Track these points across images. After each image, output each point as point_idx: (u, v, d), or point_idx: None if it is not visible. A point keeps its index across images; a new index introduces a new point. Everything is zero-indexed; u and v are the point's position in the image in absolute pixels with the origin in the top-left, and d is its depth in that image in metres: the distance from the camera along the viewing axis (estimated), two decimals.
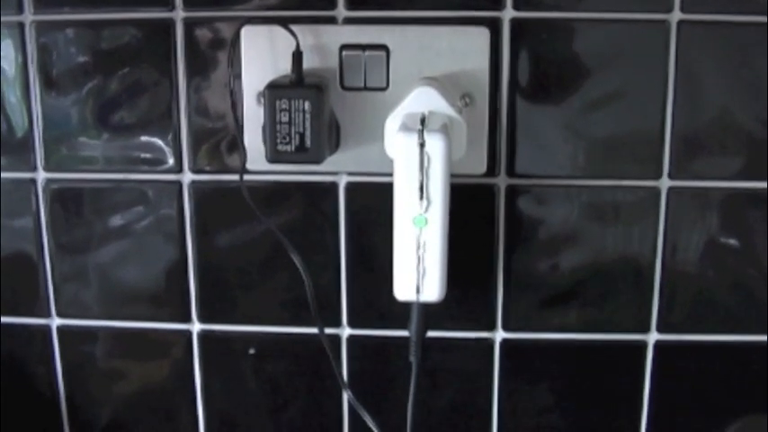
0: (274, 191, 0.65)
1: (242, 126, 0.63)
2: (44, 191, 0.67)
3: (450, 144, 0.55)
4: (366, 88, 0.62)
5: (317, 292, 0.62)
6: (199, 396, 0.70)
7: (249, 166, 0.63)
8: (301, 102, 0.57)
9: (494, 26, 0.61)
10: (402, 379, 0.63)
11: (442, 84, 0.60)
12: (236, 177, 0.63)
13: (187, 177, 0.66)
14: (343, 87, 0.62)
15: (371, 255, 0.66)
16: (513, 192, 0.64)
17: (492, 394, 0.68)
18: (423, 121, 0.55)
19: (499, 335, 0.67)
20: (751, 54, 0.61)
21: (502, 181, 0.64)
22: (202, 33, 0.63)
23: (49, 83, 0.65)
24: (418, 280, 0.57)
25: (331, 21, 0.62)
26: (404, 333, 0.61)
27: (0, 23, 0.63)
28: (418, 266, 0.56)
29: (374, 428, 0.64)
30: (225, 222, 0.66)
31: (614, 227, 0.64)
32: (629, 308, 0.66)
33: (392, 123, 0.58)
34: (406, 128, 0.55)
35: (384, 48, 0.61)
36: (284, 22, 0.60)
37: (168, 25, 0.63)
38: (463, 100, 0.62)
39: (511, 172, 0.64)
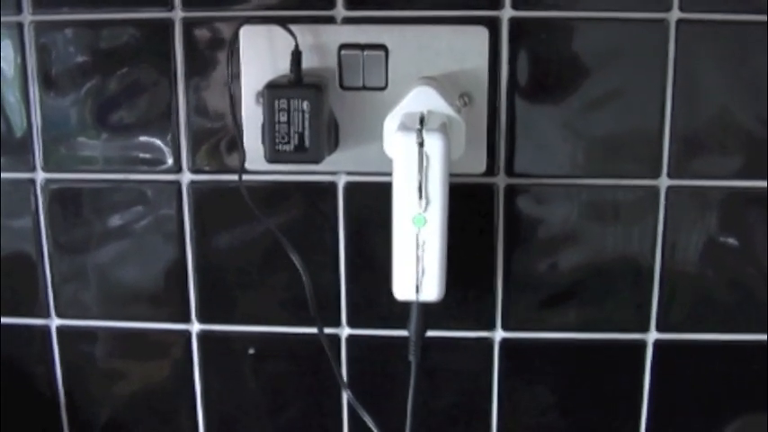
0: (273, 191, 0.65)
1: (241, 126, 0.63)
2: (43, 191, 0.67)
3: (449, 143, 0.55)
4: (365, 88, 0.62)
5: (316, 291, 0.62)
6: (198, 396, 0.70)
7: (248, 165, 0.63)
8: (300, 101, 0.57)
9: (492, 26, 0.61)
10: (401, 379, 0.63)
11: (441, 83, 0.60)
12: (235, 177, 0.63)
13: (186, 177, 0.66)
14: (342, 87, 0.62)
15: (371, 254, 0.66)
16: (512, 191, 0.64)
17: (491, 394, 0.68)
18: (422, 121, 0.55)
19: (498, 334, 0.67)
20: (750, 53, 0.61)
21: (501, 180, 0.64)
22: (201, 33, 0.63)
23: (48, 83, 0.65)
24: (417, 279, 0.57)
25: (330, 20, 0.62)
26: (403, 333, 0.61)
27: None
28: (417, 266, 0.56)
29: (374, 428, 0.64)
30: (224, 222, 0.66)
31: (613, 226, 0.64)
32: (629, 307, 0.66)
33: (391, 123, 0.58)
34: (404, 127, 0.55)
35: (383, 47, 0.61)
36: (283, 22, 0.60)
37: (167, 25, 0.63)
38: (462, 99, 0.62)
39: (510, 171, 0.64)
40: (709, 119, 0.62)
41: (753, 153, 0.62)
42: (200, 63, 0.63)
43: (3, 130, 0.66)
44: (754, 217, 0.64)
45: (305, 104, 0.57)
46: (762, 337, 0.66)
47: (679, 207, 0.64)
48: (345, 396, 0.69)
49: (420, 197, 0.55)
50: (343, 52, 0.61)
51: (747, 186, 0.63)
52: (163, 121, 0.65)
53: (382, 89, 0.62)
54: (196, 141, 0.65)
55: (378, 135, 0.59)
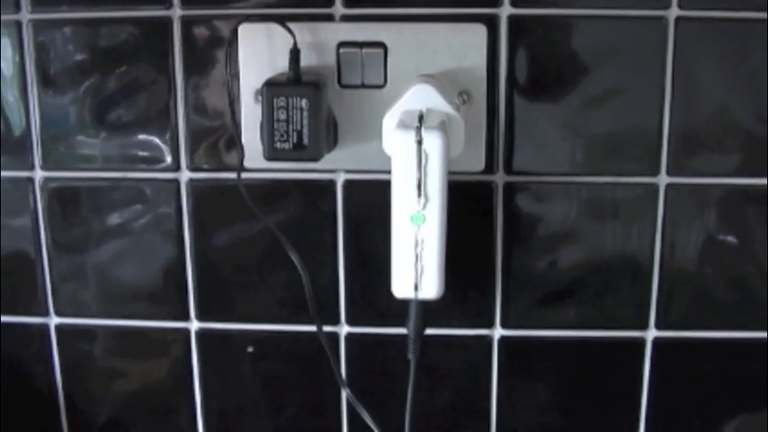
0: (272, 189, 0.65)
1: (239, 124, 0.63)
2: (42, 189, 0.67)
3: (448, 141, 0.55)
4: (364, 86, 0.62)
5: (315, 289, 0.62)
6: (197, 394, 0.70)
7: (247, 163, 0.63)
8: (299, 99, 0.57)
9: (491, 23, 0.61)
10: (401, 376, 0.63)
11: (440, 81, 0.60)
12: (233, 175, 0.63)
13: (185, 176, 0.66)
14: (341, 85, 0.62)
15: (370, 252, 0.66)
16: (510, 189, 0.64)
17: (491, 391, 0.68)
18: (420, 119, 0.55)
19: (498, 332, 0.67)
20: (749, 50, 0.61)
21: (500, 178, 0.64)
22: (200, 31, 0.63)
23: (46, 82, 0.65)
24: (416, 277, 0.57)
25: (328, 18, 0.62)
26: (402, 330, 0.61)
27: None
28: (416, 264, 0.56)
29: (373, 426, 0.64)
30: (223, 220, 0.66)
31: (612, 224, 0.64)
32: (628, 305, 0.66)
33: (390, 121, 0.58)
34: (403, 125, 0.55)
35: (382, 45, 0.61)
36: (282, 20, 0.60)
37: (166, 23, 0.63)
38: (461, 97, 0.62)
39: (509, 169, 0.64)
40: (709, 116, 0.62)
41: (752, 150, 0.62)
42: (198, 61, 0.63)
43: (1, 128, 0.66)
44: (754, 214, 0.64)
45: (303, 102, 0.57)
46: (761, 334, 0.66)
47: (678, 205, 0.64)
48: (344, 394, 0.69)
49: (419, 195, 0.55)
50: (341, 50, 0.61)
51: (746, 184, 0.63)
52: (161, 120, 0.65)
53: (381, 87, 0.62)
54: (195, 139, 0.65)
55: (377, 133, 0.59)
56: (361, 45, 0.61)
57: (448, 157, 0.55)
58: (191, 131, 0.65)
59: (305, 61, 0.60)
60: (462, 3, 0.61)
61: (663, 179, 0.63)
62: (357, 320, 0.68)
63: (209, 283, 0.68)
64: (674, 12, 0.60)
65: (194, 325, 0.69)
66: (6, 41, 0.64)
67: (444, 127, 0.55)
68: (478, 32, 0.61)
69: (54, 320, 0.69)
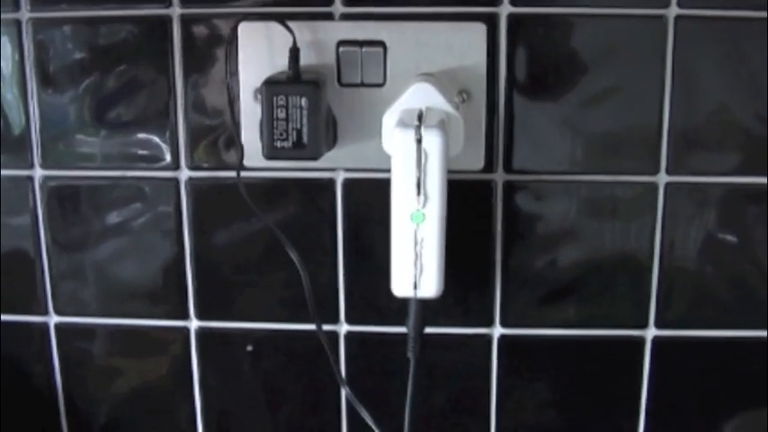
0: (271, 187, 0.65)
1: (239, 122, 0.63)
2: (41, 188, 0.67)
3: (448, 140, 0.55)
4: (363, 84, 0.62)
5: (314, 288, 0.62)
6: (197, 393, 0.70)
7: (246, 162, 0.63)
8: (298, 98, 0.57)
9: (491, 22, 0.61)
10: (400, 375, 0.63)
11: (440, 80, 0.60)
12: (233, 174, 0.63)
13: (184, 174, 0.66)
14: (341, 83, 0.62)
15: (369, 251, 0.66)
16: (510, 187, 0.64)
17: (490, 390, 0.68)
18: (420, 117, 0.55)
19: (497, 331, 0.67)
20: (749, 49, 0.61)
21: (499, 177, 0.64)
22: (199, 30, 0.63)
23: (45, 80, 0.64)
24: (416, 276, 0.57)
25: (328, 17, 0.62)
26: (402, 329, 0.61)
27: None
28: (416, 262, 0.56)
29: (372, 425, 0.64)
30: (222, 219, 0.66)
31: (612, 222, 0.64)
32: (627, 303, 0.66)
33: (389, 119, 0.58)
34: (403, 124, 0.55)
35: (381, 44, 0.61)
36: (281, 19, 0.60)
37: (165, 22, 0.63)
38: (460, 96, 0.62)
39: (508, 168, 0.64)
40: (708, 115, 0.62)
41: (751, 149, 0.62)
42: (198, 60, 0.63)
43: (1, 127, 0.66)
44: (753, 213, 0.64)
45: (303, 101, 0.57)
46: (761, 333, 0.66)
47: (678, 203, 0.64)
48: (344, 393, 0.69)
49: (418, 194, 0.55)
50: (341, 49, 0.61)
51: (746, 183, 0.63)
52: (161, 118, 0.65)
53: (380, 86, 0.62)
54: (194, 138, 0.65)
55: (376, 131, 0.59)
56: (360, 44, 0.61)
57: (447, 156, 0.55)
58: (190, 130, 0.65)
59: (304, 60, 0.60)
60: (462, 1, 0.61)
61: (662, 178, 0.63)
62: (356, 319, 0.68)
63: (208, 281, 0.68)
64: (673, 10, 0.60)
65: (194, 324, 0.69)
66: (6, 40, 0.64)
67: (444, 126, 0.55)
68: (478, 31, 0.61)
69: (54, 319, 0.69)
